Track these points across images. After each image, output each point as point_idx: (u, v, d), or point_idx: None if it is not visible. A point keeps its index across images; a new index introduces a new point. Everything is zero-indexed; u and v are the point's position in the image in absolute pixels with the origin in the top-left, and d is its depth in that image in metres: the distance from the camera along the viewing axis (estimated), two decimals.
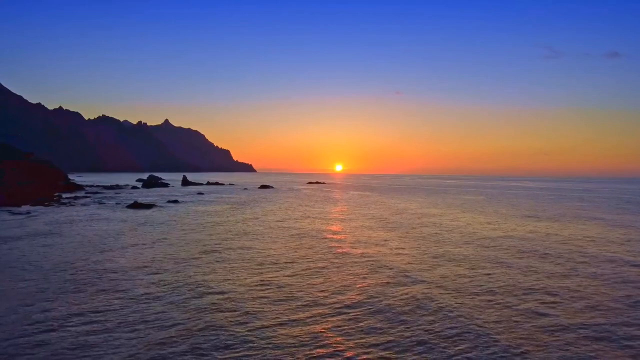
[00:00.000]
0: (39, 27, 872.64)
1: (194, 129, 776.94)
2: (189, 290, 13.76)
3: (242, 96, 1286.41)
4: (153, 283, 14.60)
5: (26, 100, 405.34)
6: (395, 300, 13.09)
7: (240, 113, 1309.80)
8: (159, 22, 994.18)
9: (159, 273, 16.01)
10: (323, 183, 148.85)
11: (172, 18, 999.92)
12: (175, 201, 52.11)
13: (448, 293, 14.02)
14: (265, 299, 13.05)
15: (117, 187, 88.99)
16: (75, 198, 53.58)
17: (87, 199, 52.97)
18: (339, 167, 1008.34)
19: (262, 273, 16.44)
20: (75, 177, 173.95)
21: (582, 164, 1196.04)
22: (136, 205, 43.32)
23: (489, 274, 16.69)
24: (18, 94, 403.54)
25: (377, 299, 13.17)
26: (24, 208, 40.04)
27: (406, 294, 13.85)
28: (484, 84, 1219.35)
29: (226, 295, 13.28)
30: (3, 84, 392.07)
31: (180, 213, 38.82)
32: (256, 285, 14.63)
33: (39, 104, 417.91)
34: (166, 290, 13.80)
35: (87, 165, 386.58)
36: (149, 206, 44.11)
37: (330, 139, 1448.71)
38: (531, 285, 15.13)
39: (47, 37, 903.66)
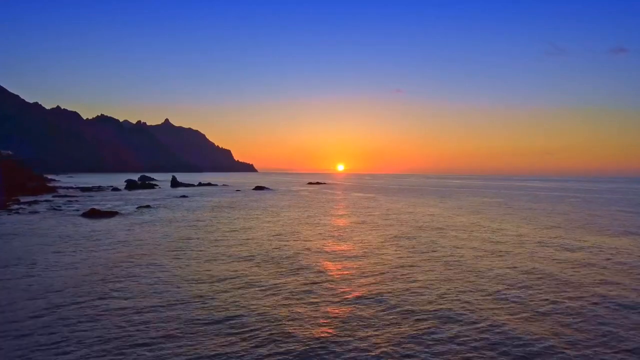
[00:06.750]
0: (36, 26, 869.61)
1: (194, 128, 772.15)
2: None
3: (243, 96, 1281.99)
4: None
5: (23, 100, 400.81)
6: None
7: (241, 113, 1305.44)
8: (159, 21, 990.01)
9: None
10: (324, 184, 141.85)
11: (171, 18, 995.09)
12: (148, 206, 45.14)
13: None
14: None
15: (98, 188, 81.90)
16: (32, 203, 46.54)
17: (46, 204, 45.90)
18: (340, 167, 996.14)
19: None
20: (65, 178, 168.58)
21: (585, 164, 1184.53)
22: (92, 213, 36.27)
23: None
24: (15, 93, 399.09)
25: None
26: None
27: None
28: (485, 82, 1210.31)
29: None
30: (0, 83, 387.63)
31: (124, 226, 31.74)
32: None
33: (37, 103, 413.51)
34: None
35: (86, 166, 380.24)
36: (110, 214, 37.13)
37: (331, 139, 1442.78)
38: None
39: (44, 36, 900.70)
